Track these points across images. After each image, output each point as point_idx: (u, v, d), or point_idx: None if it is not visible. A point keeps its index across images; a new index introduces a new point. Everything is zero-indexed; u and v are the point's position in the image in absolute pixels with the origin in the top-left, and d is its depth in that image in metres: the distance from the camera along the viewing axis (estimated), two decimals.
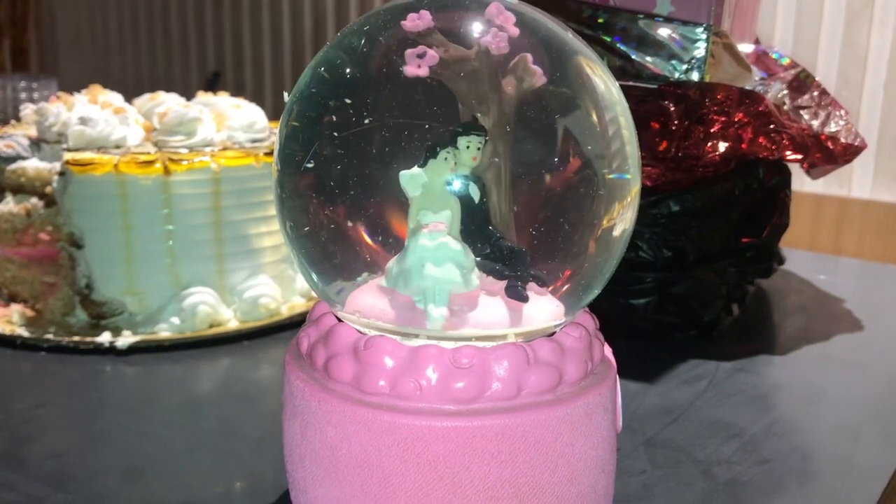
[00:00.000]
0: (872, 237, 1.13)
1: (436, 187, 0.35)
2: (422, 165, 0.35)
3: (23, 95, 1.48)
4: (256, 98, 1.57)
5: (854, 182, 1.15)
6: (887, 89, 1.10)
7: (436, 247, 0.35)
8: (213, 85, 1.66)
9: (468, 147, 0.34)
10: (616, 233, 0.38)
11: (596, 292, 0.39)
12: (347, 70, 0.38)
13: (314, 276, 0.39)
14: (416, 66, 0.35)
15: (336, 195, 0.38)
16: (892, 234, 1.12)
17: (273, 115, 0.82)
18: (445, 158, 0.35)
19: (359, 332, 0.37)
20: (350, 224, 0.38)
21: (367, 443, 0.35)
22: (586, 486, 0.37)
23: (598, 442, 0.38)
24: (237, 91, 1.61)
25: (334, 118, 0.38)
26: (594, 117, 0.37)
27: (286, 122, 0.39)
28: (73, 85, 1.05)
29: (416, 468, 0.35)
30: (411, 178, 0.35)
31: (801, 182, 1.07)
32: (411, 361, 0.35)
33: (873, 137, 1.12)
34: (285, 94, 0.40)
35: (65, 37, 2.07)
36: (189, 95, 0.81)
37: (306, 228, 0.39)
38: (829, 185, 1.16)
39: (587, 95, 0.37)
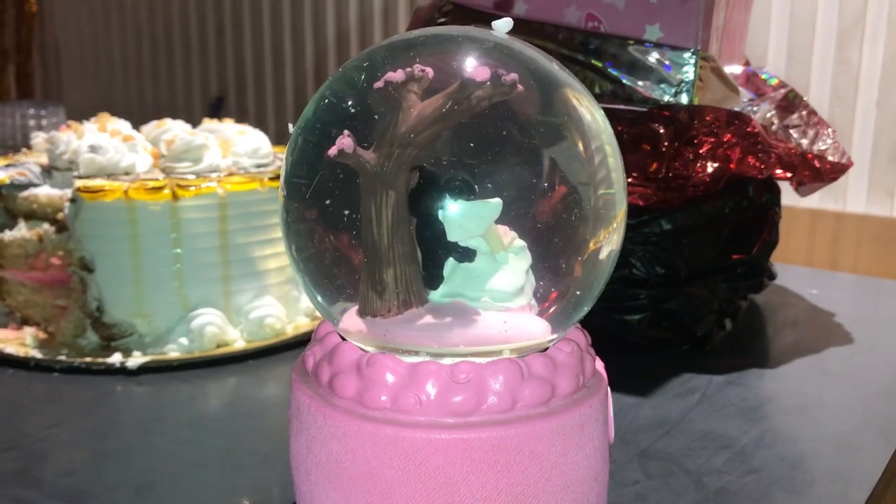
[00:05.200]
0: (868, 252, 1.15)
1: None
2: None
3: (31, 123, 1.50)
4: (259, 123, 1.60)
5: (849, 197, 1.17)
6: (880, 106, 1.12)
7: None
8: (216, 110, 1.68)
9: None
10: (602, 255, 0.39)
11: (586, 309, 0.41)
12: (349, 102, 0.40)
13: (318, 297, 0.41)
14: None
15: (338, 220, 0.40)
16: (886, 249, 1.13)
17: (276, 140, 0.84)
18: None
19: (361, 349, 0.39)
20: (351, 247, 0.40)
21: (370, 455, 0.37)
22: (579, 495, 0.39)
23: (591, 452, 0.40)
24: (240, 116, 1.63)
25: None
26: (580, 146, 0.39)
27: (291, 151, 0.41)
28: (78, 110, 1.07)
29: (416, 479, 0.37)
30: None
31: (796, 198, 1.09)
32: (411, 377, 0.37)
33: (867, 153, 1.14)
34: (290, 126, 0.42)
35: (69, 63, 2.10)
36: (192, 120, 0.83)
37: (310, 251, 0.41)
38: (824, 200, 1.18)
39: (574, 126, 0.39)
